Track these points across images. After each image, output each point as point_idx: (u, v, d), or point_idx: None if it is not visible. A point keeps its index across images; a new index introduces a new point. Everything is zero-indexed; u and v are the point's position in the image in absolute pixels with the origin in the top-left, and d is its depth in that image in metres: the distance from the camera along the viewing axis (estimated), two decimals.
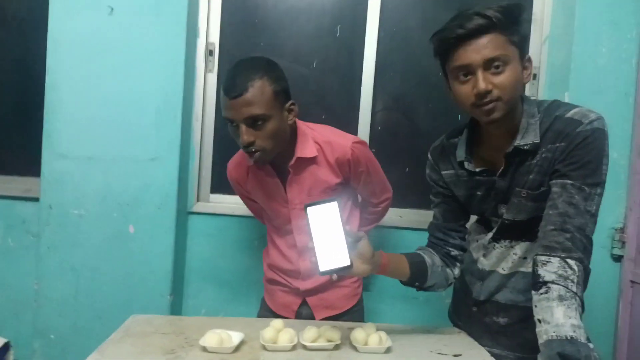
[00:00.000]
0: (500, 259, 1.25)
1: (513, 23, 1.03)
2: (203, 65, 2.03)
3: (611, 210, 1.87)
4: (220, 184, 2.09)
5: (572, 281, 1.00)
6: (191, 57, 1.96)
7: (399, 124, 2.12)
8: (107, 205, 1.88)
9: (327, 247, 1.05)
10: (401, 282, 1.29)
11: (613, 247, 1.87)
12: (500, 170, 1.17)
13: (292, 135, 1.38)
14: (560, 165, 1.08)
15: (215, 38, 2.04)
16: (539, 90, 2.01)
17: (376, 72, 2.03)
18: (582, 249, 1.03)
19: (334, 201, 1.06)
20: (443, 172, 1.29)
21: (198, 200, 2.06)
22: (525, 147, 1.11)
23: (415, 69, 2.09)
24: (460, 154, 1.22)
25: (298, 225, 1.49)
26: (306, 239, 1.47)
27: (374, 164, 1.53)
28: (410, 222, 1.96)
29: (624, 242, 1.85)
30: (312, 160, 1.41)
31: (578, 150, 1.05)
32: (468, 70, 1.05)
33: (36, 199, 1.95)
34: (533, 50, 2.01)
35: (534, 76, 2.01)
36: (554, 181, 1.08)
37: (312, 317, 1.54)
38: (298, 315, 1.55)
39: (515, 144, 1.12)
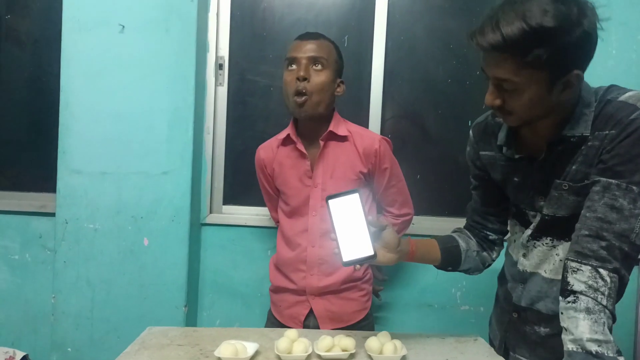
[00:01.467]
0: (542, 259, 1.16)
1: (536, 45, 0.87)
2: (213, 79, 2.05)
3: None
4: (232, 196, 2.10)
5: (603, 293, 0.92)
6: (201, 72, 1.99)
7: (409, 132, 2.13)
8: (121, 219, 1.91)
9: (350, 238, 1.04)
10: (435, 265, 1.26)
11: None
12: (541, 158, 1.07)
13: (329, 115, 1.52)
14: (607, 156, 0.96)
15: (224, 52, 2.07)
16: None
17: (385, 81, 2.04)
18: (620, 258, 0.93)
19: (356, 192, 1.05)
20: (481, 152, 1.21)
21: (211, 212, 2.07)
22: (572, 139, 1.01)
23: (424, 77, 2.09)
24: (501, 136, 1.13)
25: (315, 207, 1.52)
26: (319, 222, 1.51)
27: (397, 168, 1.60)
28: (423, 229, 1.95)
29: None
30: (343, 140, 1.52)
31: (629, 140, 0.93)
32: (487, 77, 0.98)
33: (52, 214, 1.98)
34: None
35: None
36: (596, 178, 0.97)
37: (318, 329, 1.53)
38: (305, 327, 1.55)
39: (564, 132, 1.01)
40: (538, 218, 1.14)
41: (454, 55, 2.07)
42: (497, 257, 1.31)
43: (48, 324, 1.98)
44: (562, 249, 1.12)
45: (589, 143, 0.99)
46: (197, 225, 2.00)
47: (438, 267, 1.27)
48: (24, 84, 2.29)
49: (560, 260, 1.12)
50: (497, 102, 0.97)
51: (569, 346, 0.93)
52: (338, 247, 1.04)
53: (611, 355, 0.89)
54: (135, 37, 1.90)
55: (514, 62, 0.90)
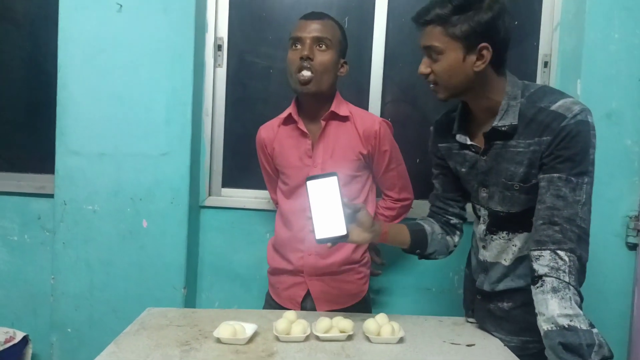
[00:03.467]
0: (500, 251, 1.27)
1: (455, 15, 1.09)
2: (212, 60, 2.03)
3: (625, 198, 1.84)
4: (231, 178, 2.10)
5: (564, 271, 1.03)
6: (200, 53, 1.97)
7: (409, 115, 2.12)
8: (120, 201, 1.91)
9: (324, 218, 1.12)
10: (403, 250, 1.36)
11: (628, 235, 1.85)
12: (482, 149, 1.21)
13: (331, 95, 1.53)
14: (547, 159, 1.10)
15: (223, 33, 2.05)
16: (551, 77, 1.99)
17: (385, 63, 2.02)
18: (575, 239, 1.05)
19: (334, 176, 1.13)
20: (439, 145, 1.35)
21: (210, 194, 2.07)
22: (503, 128, 1.15)
23: None
24: (455, 126, 1.28)
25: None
26: None
27: (397, 151, 1.61)
28: (422, 212, 1.93)
29: (638, 230, 1.83)
30: (344, 121, 1.53)
31: (563, 144, 1.08)
32: (422, 50, 1.17)
33: (51, 196, 1.98)
34: (543, 38, 1.99)
35: (545, 64, 1.99)
36: (541, 176, 1.11)
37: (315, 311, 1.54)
38: (303, 309, 1.56)
39: (494, 124, 1.16)
40: (484, 212, 1.28)
41: None
42: (459, 241, 1.41)
43: (47, 305, 1.99)
44: (517, 240, 1.24)
45: (529, 148, 1.12)
46: (196, 208, 2.00)
47: (407, 251, 1.36)
48: (22, 64, 2.26)
49: (519, 249, 1.24)
50: (427, 69, 1.16)
51: (544, 327, 1.01)
52: (312, 226, 1.12)
53: (584, 327, 0.97)
54: (133, 16, 1.87)
55: (437, 31, 1.11)
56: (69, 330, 1.94)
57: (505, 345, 1.24)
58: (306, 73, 1.44)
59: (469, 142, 1.24)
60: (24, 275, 2.11)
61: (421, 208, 1.98)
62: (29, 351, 2.03)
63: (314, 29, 1.46)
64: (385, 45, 2.02)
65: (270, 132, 1.61)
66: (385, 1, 2.01)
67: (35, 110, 2.20)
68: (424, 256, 1.38)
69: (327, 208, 1.12)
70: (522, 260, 1.24)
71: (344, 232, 1.12)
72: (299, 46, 1.47)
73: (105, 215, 1.91)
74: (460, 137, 1.26)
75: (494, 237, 1.27)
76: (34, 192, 2.08)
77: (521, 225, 1.22)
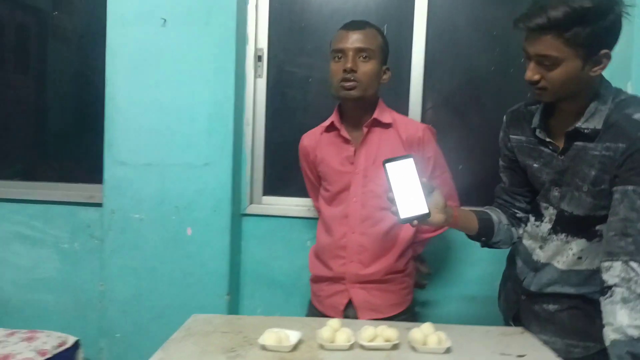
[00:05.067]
0: (556, 252, 1.26)
1: (576, 24, 1.02)
2: (252, 70, 2.06)
3: None
4: (272, 186, 2.12)
5: (636, 282, 1.00)
6: (241, 64, 2.01)
7: (450, 122, 2.08)
8: (165, 209, 1.95)
9: (405, 197, 1.13)
10: (468, 236, 1.34)
11: None
12: (561, 148, 1.19)
13: (374, 102, 1.53)
14: (621, 170, 1.09)
15: (263, 44, 2.08)
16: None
17: (425, 70, 2.00)
18: None
19: (410, 157, 1.13)
20: (511, 136, 1.33)
21: (251, 202, 2.10)
22: (585, 131, 1.13)
23: (466, 66, 2.05)
24: (535, 120, 1.24)
25: (356, 192, 1.53)
26: (359, 209, 1.53)
27: (441, 158, 1.59)
28: None
29: None
30: (386, 127, 1.53)
31: (638, 155, 1.06)
32: (529, 56, 1.12)
33: (99, 205, 2.04)
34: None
35: None
36: (615, 187, 1.10)
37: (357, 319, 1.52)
38: (345, 317, 1.54)
39: (577, 125, 1.14)
40: (552, 211, 1.26)
41: (497, 43, 2.01)
42: (522, 234, 1.38)
43: (96, 311, 2.05)
44: (575, 245, 1.22)
45: (604, 152, 1.11)
46: (237, 216, 2.03)
47: (473, 237, 1.35)
48: (71, 78, 2.37)
49: (574, 254, 1.22)
50: (537, 76, 1.10)
51: (612, 336, 0.99)
52: (395, 206, 1.12)
53: None
54: (176, 30, 1.93)
55: (554, 39, 1.04)
56: (118, 335, 1.99)
57: (549, 347, 1.23)
58: (349, 84, 1.45)
59: (547, 140, 1.22)
60: (74, 281, 2.18)
61: None
62: (81, 355, 2.09)
63: (355, 39, 1.46)
64: (425, 51, 2.00)
65: (313, 139, 1.62)
66: (425, 7, 1.99)
67: (84, 123, 2.29)
68: (488, 244, 1.36)
69: (406, 188, 1.12)
70: (577, 272, 1.22)
71: (425, 210, 1.12)
72: (341, 58, 1.47)
73: (151, 224, 1.96)
74: (540, 133, 1.23)
75: (555, 237, 1.26)
76: (83, 201, 2.15)
77: (582, 230, 1.21)
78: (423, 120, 2.01)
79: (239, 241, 2.06)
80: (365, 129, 1.52)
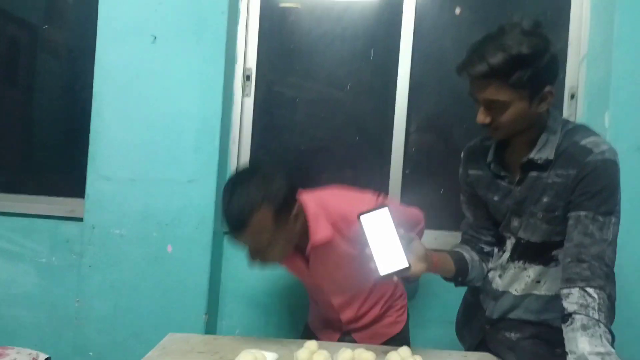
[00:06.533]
0: (513, 279, 1.28)
1: (517, 69, 1.06)
2: (240, 89, 2.08)
3: None
4: None
5: (593, 309, 1.02)
6: (229, 82, 2.02)
7: (434, 145, 2.11)
8: (147, 226, 1.94)
9: (384, 251, 1.07)
10: (444, 278, 1.32)
11: None
12: (517, 179, 1.21)
13: (303, 225, 1.31)
14: (574, 196, 1.11)
15: (252, 63, 2.10)
16: (578, 109, 1.97)
17: (410, 93, 2.04)
18: (603, 277, 1.05)
19: (385, 207, 1.08)
20: (470, 171, 1.35)
21: None
22: (539, 161, 1.16)
23: (450, 89, 2.08)
24: (490, 155, 1.27)
25: (337, 303, 1.50)
26: (342, 299, 1.49)
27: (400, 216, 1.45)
28: (446, 244, 1.92)
29: None
30: (329, 242, 1.34)
31: (588, 179, 1.09)
32: (477, 100, 1.15)
33: (80, 219, 2.02)
34: (570, 70, 1.98)
35: (572, 96, 1.97)
36: (569, 214, 1.12)
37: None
38: (340, 341, 1.54)
39: (530, 156, 1.17)
40: (513, 240, 1.27)
41: None
42: (488, 269, 1.37)
43: (71, 328, 2.00)
44: (532, 271, 1.25)
45: (557, 179, 1.14)
46: (220, 234, 2.02)
47: (448, 279, 1.33)
48: (59, 92, 2.36)
49: (531, 280, 1.25)
50: (487, 119, 1.14)
51: None
52: (374, 261, 1.06)
53: None
54: (166, 47, 1.94)
55: (499, 85, 1.08)
56: (91, 354, 1.95)
57: None
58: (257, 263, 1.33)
59: (502, 174, 1.25)
60: (50, 297, 2.14)
61: (446, 240, 1.96)
62: None
63: (248, 239, 1.26)
64: (411, 74, 2.04)
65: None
66: (411, 32, 2.04)
67: (69, 137, 2.28)
68: (463, 283, 1.35)
69: (384, 241, 1.07)
70: (537, 297, 1.24)
71: (406, 264, 1.06)
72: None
73: (132, 240, 1.94)
74: (494, 167, 1.26)
75: (512, 264, 1.28)
76: (64, 215, 2.13)
77: (538, 256, 1.23)
78: (406, 143, 2.03)
79: (220, 260, 2.04)
80: (310, 255, 1.38)
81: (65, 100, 2.34)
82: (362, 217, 1.08)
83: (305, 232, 1.32)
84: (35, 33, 2.37)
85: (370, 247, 1.07)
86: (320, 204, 1.33)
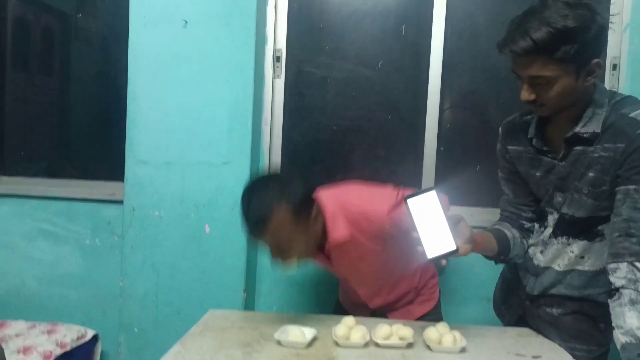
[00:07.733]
0: (556, 255, 1.26)
1: (563, 43, 1.01)
2: (271, 71, 2.09)
3: None
4: None
5: None
6: (260, 64, 2.03)
7: (468, 122, 2.08)
8: (184, 207, 1.98)
9: (431, 235, 1.05)
10: (486, 256, 1.30)
11: None
12: (561, 154, 1.18)
13: (322, 225, 1.31)
14: (622, 170, 1.08)
15: (282, 44, 2.10)
16: (620, 80, 1.90)
17: (443, 70, 2.00)
18: None
19: (432, 190, 1.06)
20: (509, 147, 1.32)
21: None
22: (584, 135, 1.13)
23: (485, 65, 2.04)
24: (532, 130, 1.24)
25: (364, 294, 1.52)
26: (369, 291, 1.50)
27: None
28: (482, 221, 1.90)
29: None
30: (349, 240, 1.32)
31: (639, 153, 1.06)
32: (521, 78, 1.11)
33: (120, 202, 2.08)
34: (612, 39, 1.90)
35: (614, 67, 1.91)
36: (617, 188, 1.09)
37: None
38: (372, 315, 1.55)
39: (576, 130, 1.13)
40: (556, 216, 1.25)
41: None
42: (529, 245, 1.35)
43: (116, 306, 2.09)
44: (576, 246, 1.23)
45: (604, 153, 1.10)
46: None
47: (491, 257, 1.31)
48: (94, 79, 2.42)
49: (575, 255, 1.23)
50: (532, 96, 1.10)
51: (622, 339, 0.99)
52: (421, 245, 1.05)
53: None
54: (197, 31, 1.96)
55: (544, 60, 1.04)
56: (136, 330, 2.03)
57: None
58: None
59: (545, 149, 1.22)
60: (94, 277, 2.23)
61: (483, 217, 1.94)
62: (99, 349, 2.14)
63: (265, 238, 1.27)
64: (444, 51, 2.00)
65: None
66: (444, 7, 1.99)
67: (107, 122, 2.34)
68: (505, 261, 1.33)
69: (431, 224, 1.05)
70: (580, 272, 1.22)
71: (454, 246, 1.05)
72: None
73: (171, 221, 1.99)
74: (536, 142, 1.23)
75: (554, 240, 1.26)
76: (104, 198, 2.20)
77: (582, 231, 1.21)
78: (440, 121, 2.00)
79: None
80: (331, 253, 1.39)
81: (101, 87, 2.40)
82: (409, 200, 1.05)
83: (325, 231, 1.32)
84: (69, 22, 2.42)
85: (418, 230, 1.05)
86: (339, 203, 1.32)
